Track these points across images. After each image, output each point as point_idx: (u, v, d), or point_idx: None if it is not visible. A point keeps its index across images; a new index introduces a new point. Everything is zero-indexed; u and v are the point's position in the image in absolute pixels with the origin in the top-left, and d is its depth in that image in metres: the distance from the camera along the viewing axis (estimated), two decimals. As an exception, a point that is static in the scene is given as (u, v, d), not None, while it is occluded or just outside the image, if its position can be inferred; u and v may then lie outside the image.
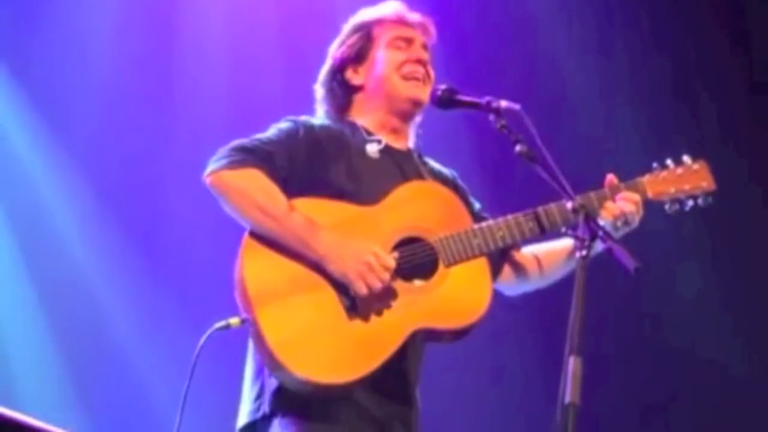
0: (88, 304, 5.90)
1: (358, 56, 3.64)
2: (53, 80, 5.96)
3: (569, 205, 3.26)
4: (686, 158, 3.62)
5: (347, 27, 3.72)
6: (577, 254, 3.05)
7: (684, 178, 3.59)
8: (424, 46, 3.66)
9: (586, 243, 3.06)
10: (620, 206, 3.48)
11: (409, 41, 3.64)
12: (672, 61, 6.15)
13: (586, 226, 3.12)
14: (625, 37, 6.19)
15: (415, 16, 3.68)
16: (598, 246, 3.20)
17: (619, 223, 3.48)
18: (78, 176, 5.96)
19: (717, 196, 3.60)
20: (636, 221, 3.52)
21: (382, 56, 3.62)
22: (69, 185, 5.97)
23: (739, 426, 5.85)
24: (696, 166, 3.61)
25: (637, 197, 3.51)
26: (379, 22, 3.66)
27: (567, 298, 2.95)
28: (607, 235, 3.13)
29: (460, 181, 3.74)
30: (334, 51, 3.70)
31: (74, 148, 5.97)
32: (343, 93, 3.66)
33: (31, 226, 5.93)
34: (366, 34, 3.65)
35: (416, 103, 3.61)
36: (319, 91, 3.70)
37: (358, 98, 3.65)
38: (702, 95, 6.13)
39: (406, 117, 3.64)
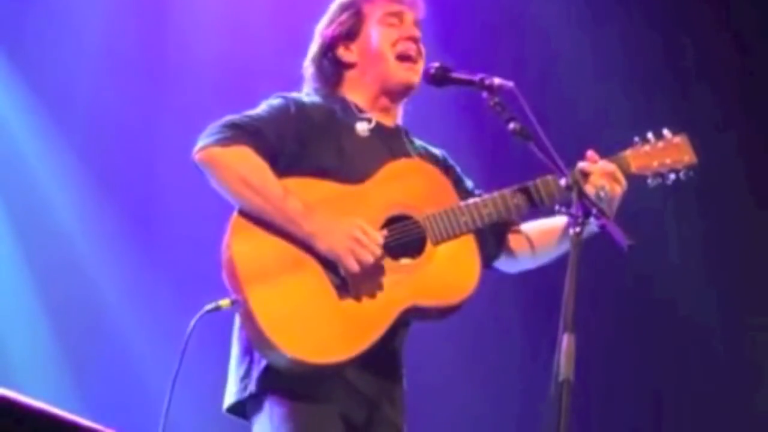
0: (82, 285, 5.89)
1: (349, 33, 3.61)
2: (49, 64, 5.95)
3: (563, 181, 3.25)
4: (666, 132, 3.59)
5: (334, 5, 3.69)
6: (570, 231, 3.06)
7: (666, 152, 3.57)
8: (416, 22, 3.64)
9: (580, 220, 3.06)
10: (594, 179, 3.45)
11: (400, 17, 3.61)
12: (662, 37, 6.14)
13: (580, 203, 3.11)
14: (618, 13, 6.18)
15: None
16: (593, 225, 3.18)
17: (602, 194, 3.43)
18: (73, 160, 5.96)
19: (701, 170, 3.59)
20: (616, 192, 3.47)
21: (375, 33, 3.59)
22: (64, 170, 5.96)
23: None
24: (677, 140, 3.59)
25: (611, 167, 3.48)
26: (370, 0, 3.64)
27: (559, 275, 2.97)
28: (601, 212, 3.12)
29: (450, 160, 3.72)
30: (323, 29, 3.67)
31: (69, 132, 5.96)
32: (334, 70, 3.63)
33: (26, 210, 5.92)
34: (356, 11, 3.63)
35: (409, 87, 3.60)
36: (309, 69, 3.67)
37: (349, 75, 3.62)
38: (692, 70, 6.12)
39: (397, 97, 3.63)
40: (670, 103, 6.00)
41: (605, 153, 3.57)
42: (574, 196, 3.15)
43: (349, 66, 3.62)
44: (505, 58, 5.87)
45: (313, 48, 3.68)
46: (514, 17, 6.14)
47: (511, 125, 3.31)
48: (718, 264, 5.99)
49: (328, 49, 3.63)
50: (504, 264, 3.68)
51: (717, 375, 5.92)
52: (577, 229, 3.05)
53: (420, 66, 3.59)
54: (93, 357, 5.88)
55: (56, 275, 5.88)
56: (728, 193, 5.91)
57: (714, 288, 5.99)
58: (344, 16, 3.63)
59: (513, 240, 3.65)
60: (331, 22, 3.65)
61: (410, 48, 3.59)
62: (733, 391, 5.89)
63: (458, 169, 3.71)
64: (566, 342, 2.84)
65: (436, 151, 3.72)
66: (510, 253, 3.65)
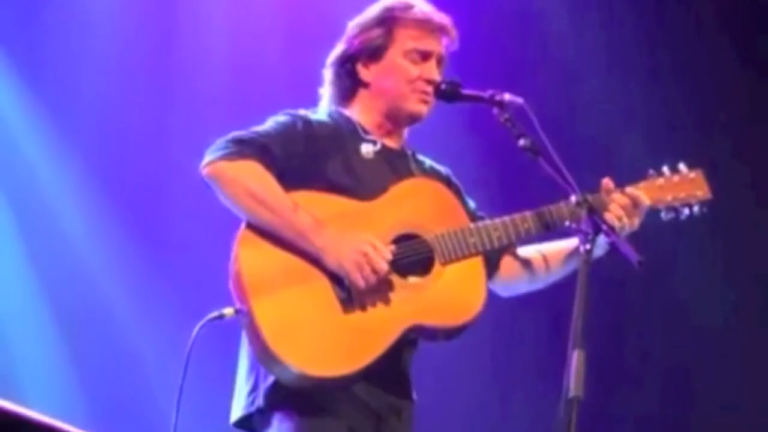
0: (89, 292, 5.88)
1: (373, 54, 3.56)
2: (57, 71, 5.92)
3: (573, 198, 3.24)
4: (682, 166, 3.59)
5: (372, 11, 3.61)
6: (581, 248, 3.06)
7: (680, 186, 3.56)
8: (440, 60, 3.58)
9: (590, 237, 3.06)
10: (614, 208, 3.45)
11: (426, 56, 3.55)
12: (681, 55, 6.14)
13: (590, 220, 3.12)
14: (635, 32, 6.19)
15: (440, 20, 3.57)
16: (601, 243, 3.21)
17: (618, 225, 3.41)
18: (80, 166, 5.93)
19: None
20: (634, 225, 3.48)
21: (397, 64, 3.54)
22: (72, 176, 5.94)
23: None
24: (692, 175, 3.59)
25: (627, 201, 3.48)
26: (404, 23, 3.55)
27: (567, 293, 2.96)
28: (611, 229, 3.13)
29: (454, 179, 3.70)
30: (352, 34, 3.60)
31: (76, 139, 5.93)
32: (349, 83, 3.59)
33: (34, 216, 5.90)
34: (388, 32, 3.55)
35: (418, 118, 3.58)
36: (328, 71, 3.63)
37: (362, 93, 3.59)
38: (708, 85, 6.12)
39: (403, 124, 3.61)
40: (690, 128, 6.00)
41: (619, 172, 3.57)
42: (583, 212, 3.15)
43: (363, 84, 3.59)
44: (522, 77, 5.87)
45: (338, 48, 3.62)
46: (529, 33, 6.14)
47: (522, 141, 3.32)
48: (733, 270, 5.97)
49: (348, 60, 3.59)
50: (498, 287, 3.65)
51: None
52: (587, 246, 3.06)
53: (432, 100, 3.56)
54: (99, 364, 5.85)
55: (63, 282, 5.87)
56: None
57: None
58: (375, 33, 3.56)
59: (509, 264, 3.63)
60: (362, 31, 3.58)
61: (426, 90, 3.54)
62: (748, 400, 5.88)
63: (462, 189, 3.69)
64: (576, 359, 2.83)
65: (442, 169, 3.70)
66: (504, 277, 3.62)
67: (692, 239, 5.74)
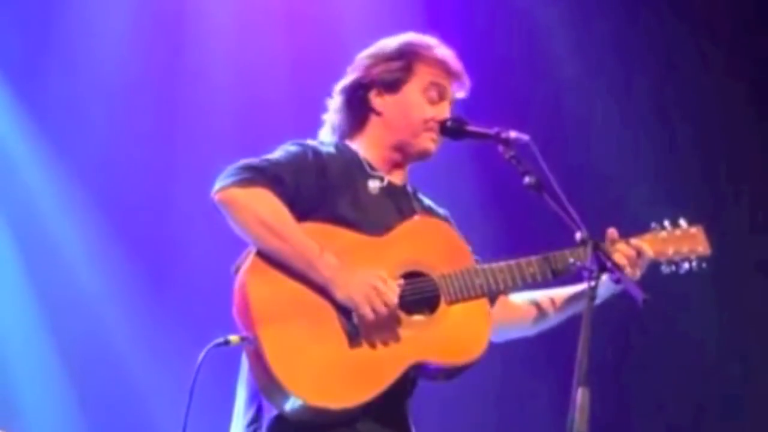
0: (92, 320, 5.88)
1: (390, 84, 3.55)
2: (58, 97, 5.93)
3: (578, 235, 3.25)
4: (683, 222, 3.62)
5: (391, 44, 3.60)
6: (586, 285, 3.06)
7: (682, 241, 3.59)
8: (451, 103, 3.59)
9: (595, 274, 3.07)
10: (618, 258, 3.45)
11: (442, 94, 3.56)
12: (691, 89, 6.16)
13: (595, 257, 3.13)
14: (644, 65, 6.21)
15: (457, 66, 3.59)
16: (607, 284, 3.24)
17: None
18: (81, 191, 5.94)
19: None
20: (635, 276, 3.48)
21: (413, 100, 3.54)
22: (72, 200, 5.95)
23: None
24: (693, 230, 3.62)
25: (632, 252, 3.50)
26: (425, 60, 3.56)
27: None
28: (616, 266, 3.13)
29: (452, 221, 3.69)
30: (369, 63, 3.58)
31: (78, 166, 5.94)
32: (360, 112, 3.57)
33: (34, 240, 5.91)
34: (408, 66, 3.55)
35: (427, 156, 3.58)
36: (337, 98, 3.61)
37: (372, 122, 3.57)
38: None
39: (411, 160, 3.61)
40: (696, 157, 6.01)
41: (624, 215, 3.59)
42: (588, 250, 3.16)
43: (376, 113, 3.57)
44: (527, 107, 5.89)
45: (350, 76, 3.60)
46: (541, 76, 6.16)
47: (527, 179, 3.34)
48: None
49: (363, 87, 3.57)
50: (495, 329, 3.56)
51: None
52: (592, 283, 3.07)
53: (439, 140, 3.57)
54: (102, 392, 5.84)
55: (66, 310, 5.86)
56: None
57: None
58: (394, 65, 3.55)
59: (501, 308, 3.61)
60: (380, 62, 3.57)
61: (436, 130, 3.55)
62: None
63: (459, 233, 3.65)
64: (580, 396, 2.83)
65: (441, 211, 3.70)
66: (496, 320, 3.55)
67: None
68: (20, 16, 5.91)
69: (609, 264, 3.13)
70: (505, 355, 5.50)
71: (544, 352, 5.39)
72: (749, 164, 6.05)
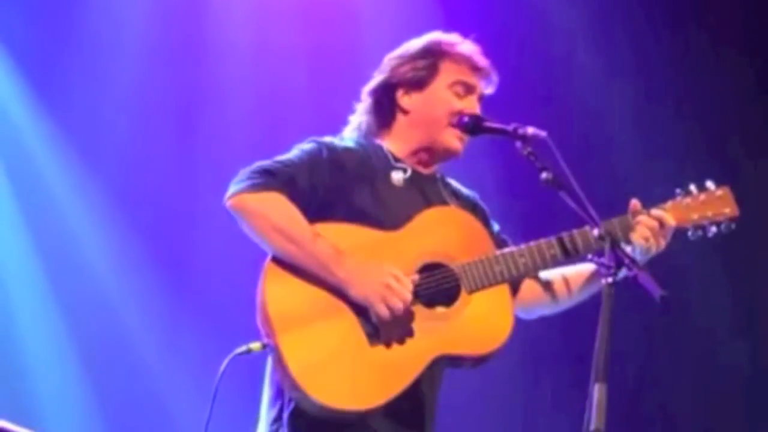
0: (113, 326, 5.90)
1: (417, 83, 3.57)
2: (80, 99, 5.95)
3: (595, 232, 3.25)
4: (709, 183, 3.58)
5: (417, 44, 3.62)
6: (603, 282, 3.05)
7: (707, 205, 3.55)
8: (479, 98, 3.61)
9: (612, 270, 3.06)
10: (641, 230, 3.46)
11: (469, 90, 3.57)
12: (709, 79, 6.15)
13: (613, 253, 3.12)
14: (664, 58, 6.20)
15: (483, 63, 3.60)
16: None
17: (645, 246, 3.45)
18: (104, 192, 5.96)
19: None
20: (660, 247, 3.49)
21: (440, 96, 3.56)
22: (95, 207, 5.97)
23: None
24: (719, 192, 3.58)
25: (654, 223, 3.48)
26: (451, 57, 3.57)
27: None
28: (633, 263, 3.13)
29: (481, 203, 3.72)
30: (396, 64, 3.61)
31: (99, 169, 5.96)
32: (389, 111, 3.59)
33: (55, 243, 5.93)
34: (434, 64, 3.57)
35: (454, 154, 3.59)
36: (366, 100, 3.63)
37: (400, 121, 3.58)
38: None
39: (438, 159, 3.62)
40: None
41: (645, 194, 3.58)
42: (606, 246, 3.15)
43: (403, 112, 3.59)
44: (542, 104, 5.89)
45: (378, 78, 3.62)
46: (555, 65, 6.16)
47: (544, 175, 3.33)
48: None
49: (391, 87, 3.59)
50: (518, 310, 3.63)
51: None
52: (610, 280, 3.05)
53: (466, 139, 3.58)
54: (123, 399, 5.86)
55: (87, 316, 5.88)
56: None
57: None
58: (420, 63, 3.57)
59: (530, 287, 3.63)
60: (406, 62, 3.60)
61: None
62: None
63: (487, 212, 3.71)
64: (598, 392, 2.82)
65: (468, 193, 3.71)
66: (525, 300, 3.62)
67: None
68: (42, 14, 5.93)
69: (627, 260, 3.12)
70: (531, 355, 5.58)
71: (569, 351, 5.39)
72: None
